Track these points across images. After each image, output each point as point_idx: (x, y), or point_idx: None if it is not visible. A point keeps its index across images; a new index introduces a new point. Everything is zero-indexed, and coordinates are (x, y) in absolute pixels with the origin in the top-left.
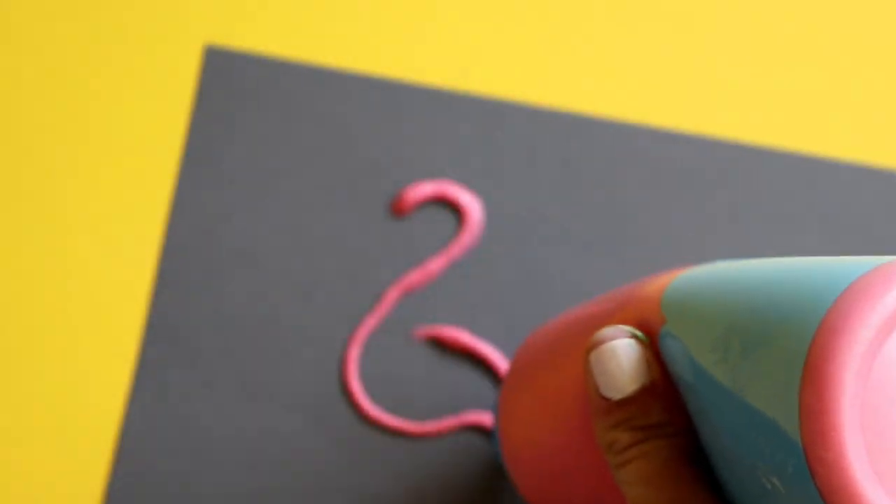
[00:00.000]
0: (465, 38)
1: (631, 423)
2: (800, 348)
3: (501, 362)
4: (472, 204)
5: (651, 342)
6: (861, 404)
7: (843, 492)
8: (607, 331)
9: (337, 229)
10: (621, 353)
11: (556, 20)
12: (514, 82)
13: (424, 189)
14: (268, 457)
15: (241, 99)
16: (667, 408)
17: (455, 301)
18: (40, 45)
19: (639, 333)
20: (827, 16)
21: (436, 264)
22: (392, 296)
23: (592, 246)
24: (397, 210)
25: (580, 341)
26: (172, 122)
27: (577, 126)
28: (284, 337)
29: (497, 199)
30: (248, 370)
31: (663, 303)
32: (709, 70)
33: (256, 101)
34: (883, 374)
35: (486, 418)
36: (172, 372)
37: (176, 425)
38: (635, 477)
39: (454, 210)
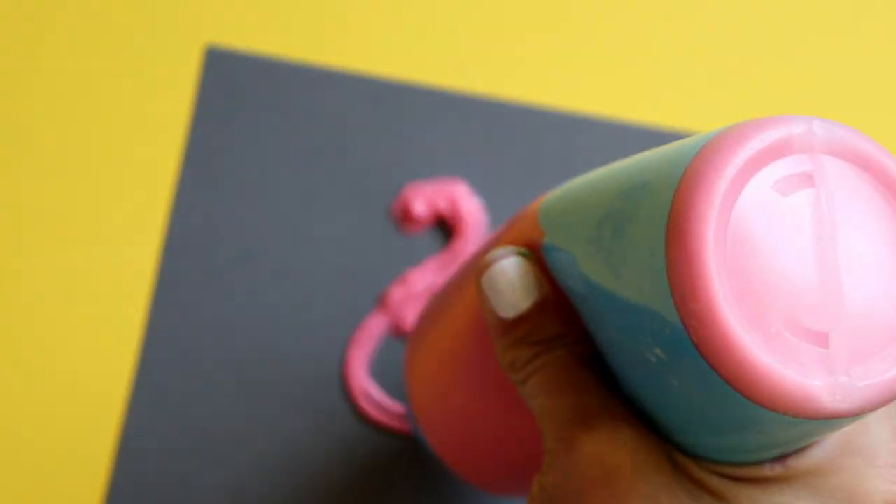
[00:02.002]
0: (465, 39)
1: (528, 339)
2: (662, 211)
3: None
4: (473, 209)
5: (537, 258)
6: (725, 254)
7: (715, 340)
8: (494, 253)
9: (337, 229)
10: (510, 270)
11: (556, 20)
12: (514, 82)
13: (427, 193)
14: (268, 458)
15: (241, 99)
16: (561, 319)
17: None
18: (40, 46)
19: (524, 251)
20: (827, 14)
21: (436, 264)
22: (392, 296)
23: None
24: (403, 224)
25: (470, 276)
26: (173, 123)
27: (577, 126)
28: (284, 337)
29: (497, 199)
30: (248, 371)
31: (540, 217)
32: (709, 69)
33: (257, 101)
34: (743, 223)
35: None
36: (172, 372)
37: (176, 426)
38: (538, 389)
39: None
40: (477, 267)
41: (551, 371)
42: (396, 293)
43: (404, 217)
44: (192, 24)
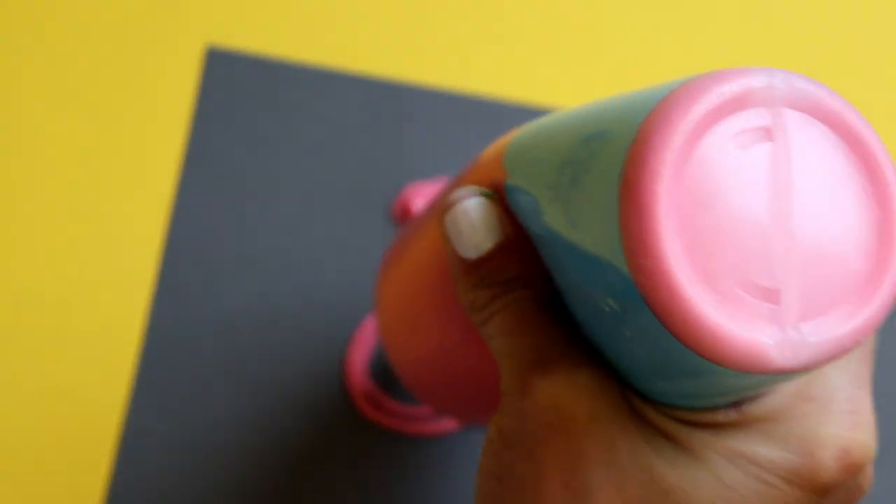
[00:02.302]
0: (466, 39)
1: (490, 280)
2: (617, 164)
3: None
4: None
5: (500, 198)
6: (677, 210)
7: (664, 296)
8: (457, 192)
9: (337, 229)
10: (472, 210)
11: (556, 20)
12: (514, 82)
13: (426, 192)
14: (269, 458)
15: (241, 100)
16: (522, 261)
17: None
18: (41, 47)
19: (487, 191)
20: (828, 12)
21: None
22: None
23: None
24: (401, 220)
25: (434, 214)
26: (174, 124)
27: None
28: (285, 338)
29: None
30: (248, 371)
31: (505, 157)
32: (706, 67)
33: (257, 101)
34: (698, 179)
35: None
36: (173, 373)
37: (177, 427)
38: (498, 329)
39: None
40: (440, 206)
41: (510, 313)
42: None
43: (404, 217)
44: (192, 25)
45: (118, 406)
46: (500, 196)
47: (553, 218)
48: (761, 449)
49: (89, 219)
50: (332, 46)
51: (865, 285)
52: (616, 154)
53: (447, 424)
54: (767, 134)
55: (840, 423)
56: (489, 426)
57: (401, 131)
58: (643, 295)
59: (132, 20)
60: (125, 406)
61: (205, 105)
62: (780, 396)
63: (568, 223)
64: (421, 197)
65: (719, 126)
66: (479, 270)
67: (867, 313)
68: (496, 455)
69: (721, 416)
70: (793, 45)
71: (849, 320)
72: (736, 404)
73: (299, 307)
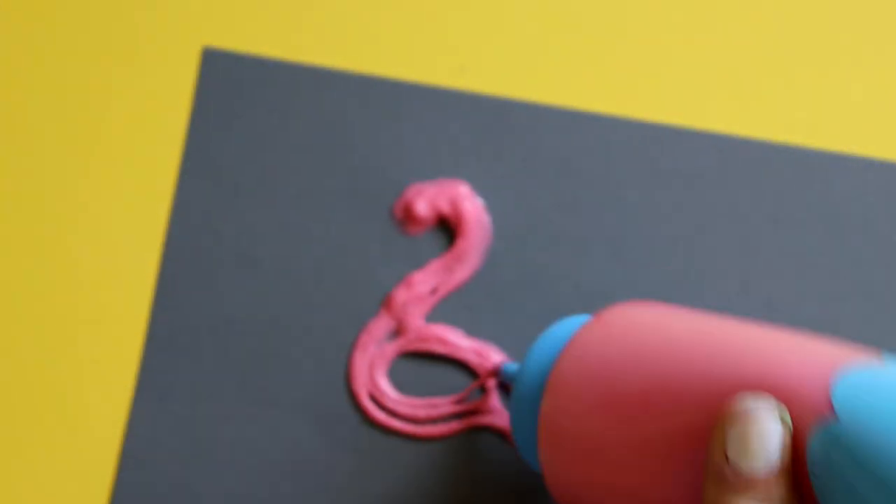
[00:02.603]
0: (466, 39)
1: (750, 497)
2: None
3: (487, 359)
4: (475, 210)
5: (794, 426)
6: None
7: None
8: (754, 403)
9: (338, 231)
10: (766, 434)
11: (557, 17)
12: (515, 80)
13: (429, 194)
14: (273, 462)
15: (240, 101)
16: (790, 489)
17: (455, 301)
18: (39, 49)
19: (786, 416)
20: (828, 8)
21: (439, 266)
22: (396, 299)
23: (595, 245)
24: (405, 226)
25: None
26: (171, 125)
27: (578, 123)
28: (288, 341)
29: (498, 198)
30: (251, 375)
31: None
32: (713, 66)
33: (255, 102)
34: None
35: (493, 419)
36: (175, 378)
37: (180, 432)
38: None
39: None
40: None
41: None
42: (400, 296)
43: (406, 218)
44: (189, 26)
45: (121, 413)
46: (794, 422)
47: None
48: None
49: (88, 222)
50: (331, 46)
51: None
52: None
53: (452, 426)
54: None
55: None
56: None
57: (402, 131)
58: None
59: (129, 22)
60: (128, 412)
61: (203, 107)
62: None
63: None
64: (423, 198)
65: None
66: (743, 485)
67: None
68: None
69: None
70: (793, 45)
71: None
72: None
73: (301, 310)
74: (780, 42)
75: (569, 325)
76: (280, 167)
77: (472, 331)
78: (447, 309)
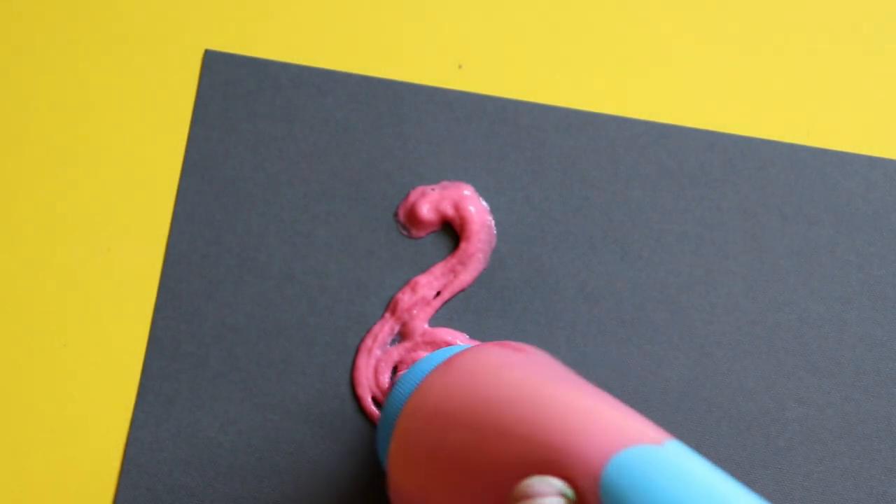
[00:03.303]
0: (467, 39)
1: None
2: None
3: None
4: (479, 212)
5: (579, 498)
6: None
7: None
8: (538, 486)
9: (343, 234)
10: None
11: (559, 16)
12: (519, 82)
13: (432, 197)
14: (277, 467)
15: (242, 103)
16: None
17: (460, 304)
18: (42, 51)
19: (568, 492)
20: (829, 7)
21: (443, 269)
22: (401, 302)
23: (598, 244)
24: (409, 228)
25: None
26: (174, 128)
27: (584, 123)
28: (291, 345)
29: (502, 199)
30: (254, 379)
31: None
32: (714, 66)
33: (258, 105)
34: None
35: None
36: (178, 383)
37: (183, 437)
38: None
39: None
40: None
41: None
42: (405, 299)
43: (411, 221)
44: (191, 28)
45: (124, 418)
46: (579, 495)
47: None
48: None
49: (91, 226)
50: (332, 48)
51: None
52: None
53: None
54: None
55: None
56: None
57: (404, 134)
58: None
59: (132, 25)
60: (131, 417)
61: (205, 109)
62: None
63: None
64: (427, 200)
65: None
66: None
67: None
68: None
69: None
70: (794, 45)
71: None
72: None
73: (305, 314)
74: (786, 42)
75: (434, 360)
76: (282, 171)
77: (476, 334)
78: (452, 312)
